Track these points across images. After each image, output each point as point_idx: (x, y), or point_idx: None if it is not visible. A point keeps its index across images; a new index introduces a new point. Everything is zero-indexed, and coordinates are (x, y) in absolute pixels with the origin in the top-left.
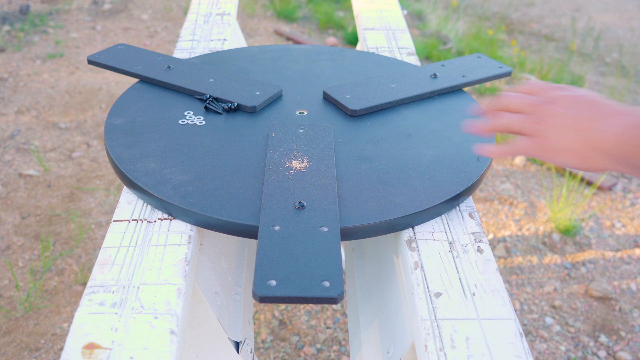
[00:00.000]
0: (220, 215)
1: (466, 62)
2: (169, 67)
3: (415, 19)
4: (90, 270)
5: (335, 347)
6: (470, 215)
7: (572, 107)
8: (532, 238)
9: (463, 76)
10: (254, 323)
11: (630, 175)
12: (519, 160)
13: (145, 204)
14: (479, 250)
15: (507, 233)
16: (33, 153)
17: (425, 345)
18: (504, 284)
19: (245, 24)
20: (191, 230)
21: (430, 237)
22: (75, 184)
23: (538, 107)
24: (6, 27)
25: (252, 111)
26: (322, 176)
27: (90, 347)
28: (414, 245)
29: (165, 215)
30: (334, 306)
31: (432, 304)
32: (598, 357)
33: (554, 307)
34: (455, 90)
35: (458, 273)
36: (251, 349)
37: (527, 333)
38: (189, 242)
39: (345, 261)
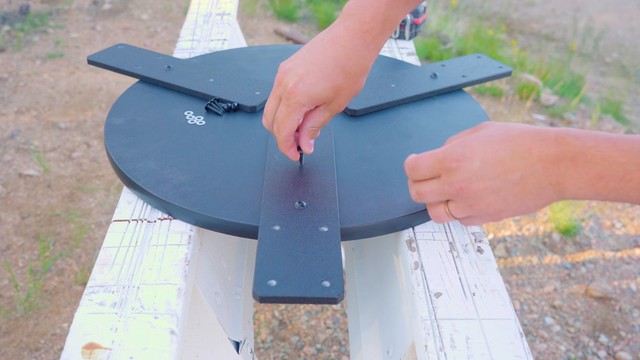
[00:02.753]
0: (220, 215)
1: (466, 62)
2: (169, 67)
3: None
4: (90, 270)
5: (335, 347)
6: None
7: (491, 178)
8: (532, 238)
9: (463, 76)
10: (254, 323)
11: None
12: None
13: (145, 204)
14: (479, 250)
15: (507, 233)
16: (33, 153)
17: (426, 345)
18: (504, 284)
19: (245, 24)
20: (191, 230)
21: (430, 237)
22: (75, 184)
23: (457, 197)
24: (6, 27)
25: (252, 111)
26: (322, 176)
27: (90, 347)
28: (414, 245)
29: (165, 215)
30: (334, 306)
31: (432, 304)
32: (598, 357)
33: (554, 307)
34: (455, 90)
35: (458, 273)
36: (251, 349)
37: (527, 333)
38: (189, 242)
39: (345, 261)
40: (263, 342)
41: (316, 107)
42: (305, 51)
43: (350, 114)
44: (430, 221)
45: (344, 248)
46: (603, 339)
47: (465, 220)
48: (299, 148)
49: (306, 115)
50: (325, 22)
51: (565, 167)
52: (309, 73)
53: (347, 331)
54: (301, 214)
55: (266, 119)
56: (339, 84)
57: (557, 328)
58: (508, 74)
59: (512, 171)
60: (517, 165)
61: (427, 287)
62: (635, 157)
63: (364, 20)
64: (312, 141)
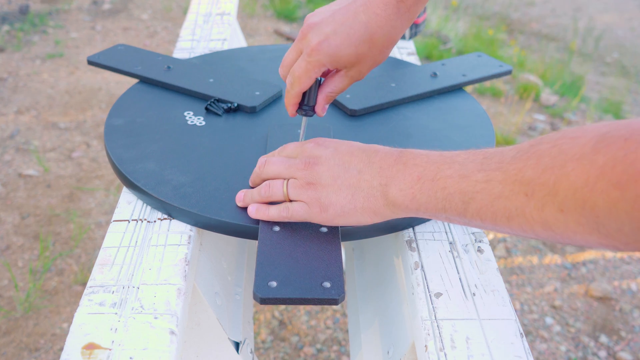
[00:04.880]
0: (220, 216)
1: (466, 61)
2: (169, 67)
3: None
4: (90, 270)
5: (335, 347)
6: None
7: (336, 164)
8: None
9: (463, 75)
10: (254, 323)
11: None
12: None
13: (145, 204)
14: (479, 250)
15: None
16: (33, 153)
17: (426, 346)
18: (504, 284)
19: (245, 24)
20: (191, 230)
21: (430, 237)
22: (75, 184)
23: (300, 171)
24: (6, 27)
25: (251, 111)
26: None
27: (90, 347)
28: (414, 245)
29: (165, 215)
30: (334, 306)
31: (432, 304)
32: (598, 357)
33: (554, 307)
34: (455, 89)
35: (458, 273)
36: (251, 349)
37: (527, 333)
38: (188, 242)
39: (345, 262)
40: (263, 342)
41: (336, 71)
42: (337, 8)
43: (350, 114)
44: (431, 221)
45: (344, 248)
46: (603, 339)
47: (295, 208)
48: (299, 107)
49: (326, 80)
50: None
51: (397, 170)
52: (336, 33)
53: (347, 331)
54: None
55: (282, 69)
56: (364, 52)
57: (557, 328)
58: (508, 72)
59: (355, 163)
60: (361, 160)
61: (427, 287)
62: (450, 157)
63: None
64: (326, 105)
